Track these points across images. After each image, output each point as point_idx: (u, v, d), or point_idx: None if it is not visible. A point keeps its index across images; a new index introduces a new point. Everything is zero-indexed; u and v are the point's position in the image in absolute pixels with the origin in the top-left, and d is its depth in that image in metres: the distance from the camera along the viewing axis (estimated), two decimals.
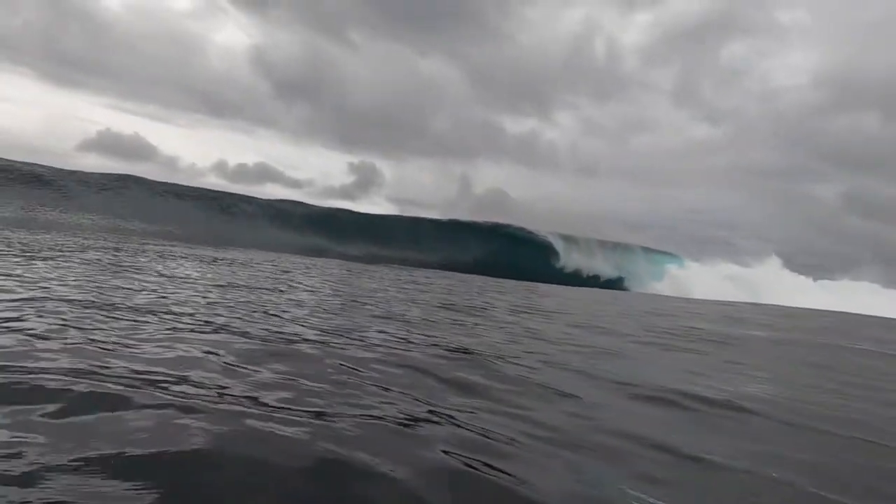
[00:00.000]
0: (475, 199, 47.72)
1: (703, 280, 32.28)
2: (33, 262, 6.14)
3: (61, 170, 28.87)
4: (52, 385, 2.05)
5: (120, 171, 31.06)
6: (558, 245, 33.82)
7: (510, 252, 31.63)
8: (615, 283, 32.14)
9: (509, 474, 1.77)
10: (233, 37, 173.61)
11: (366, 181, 70.94)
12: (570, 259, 33.50)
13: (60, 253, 7.69)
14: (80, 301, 3.97)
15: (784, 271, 34.28)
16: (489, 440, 2.07)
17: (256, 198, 33.78)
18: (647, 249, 37.43)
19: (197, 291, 5.47)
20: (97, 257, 7.71)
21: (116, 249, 9.71)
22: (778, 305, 18.14)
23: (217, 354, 2.88)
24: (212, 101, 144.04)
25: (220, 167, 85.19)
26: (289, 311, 4.87)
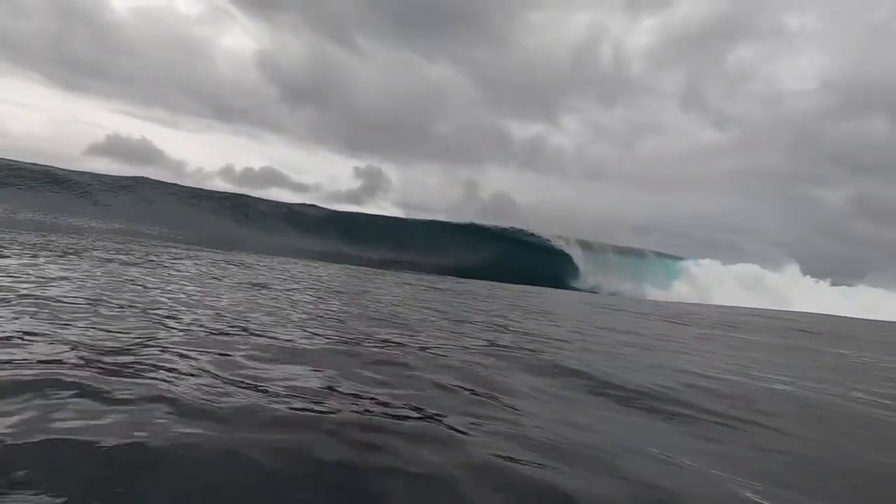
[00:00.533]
0: (482, 203, 47.58)
1: (722, 285, 31.47)
2: (40, 262, 6.26)
3: (71, 170, 29.40)
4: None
5: (134, 175, 31.60)
6: (575, 253, 33.57)
7: (536, 259, 31.36)
8: (631, 290, 31.67)
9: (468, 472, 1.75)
10: (239, 41, 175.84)
11: (372, 185, 71.28)
12: (584, 264, 33.26)
13: (64, 254, 7.83)
14: (76, 299, 4.04)
15: (806, 278, 33.28)
16: (462, 435, 2.05)
17: (271, 200, 34.25)
18: (660, 254, 36.97)
19: (198, 293, 5.53)
20: (101, 258, 7.84)
21: (123, 252, 9.85)
22: (819, 314, 17.45)
23: (202, 355, 2.90)
24: (218, 105, 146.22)
25: (226, 171, 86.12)
26: (284, 314, 4.90)
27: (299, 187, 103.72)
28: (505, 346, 4.40)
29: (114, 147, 73.84)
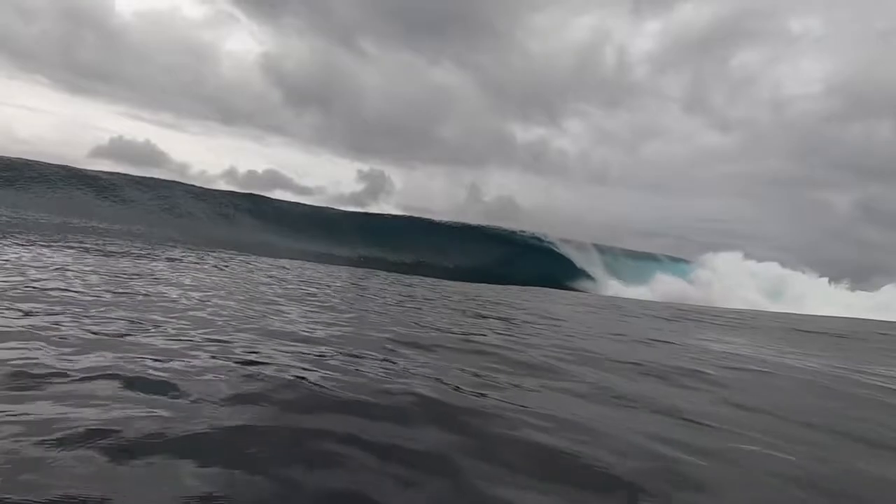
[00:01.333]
0: (485, 206, 47.69)
1: (742, 284, 30.24)
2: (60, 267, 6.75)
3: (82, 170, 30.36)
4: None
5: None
6: (591, 257, 33.55)
7: (554, 263, 31.49)
8: (644, 291, 31.25)
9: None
10: (244, 45, 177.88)
11: (375, 188, 71.81)
12: (600, 267, 33.22)
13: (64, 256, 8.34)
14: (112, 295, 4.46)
15: (833, 285, 31.95)
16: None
17: (288, 200, 34.87)
18: (673, 258, 36.59)
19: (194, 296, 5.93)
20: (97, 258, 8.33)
21: (137, 254, 10.36)
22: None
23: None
24: (223, 108, 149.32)
25: (230, 174, 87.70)
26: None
27: (303, 190, 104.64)
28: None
29: (118, 149, 75.81)
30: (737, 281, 30.07)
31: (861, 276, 31.93)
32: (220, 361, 2.86)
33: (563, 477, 1.88)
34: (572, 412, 2.65)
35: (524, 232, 34.85)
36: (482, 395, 2.81)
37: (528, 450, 2.09)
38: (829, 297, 29.21)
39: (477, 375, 3.26)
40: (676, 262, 36.04)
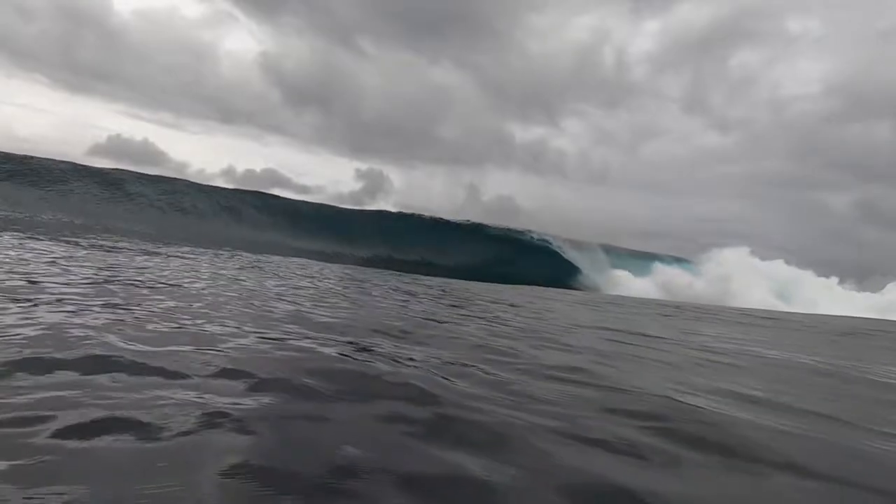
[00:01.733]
0: (484, 206, 47.68)
1: (748, 282, 29.70)
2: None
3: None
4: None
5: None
6: (598, 257, 33.53)
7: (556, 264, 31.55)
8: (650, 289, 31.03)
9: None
10: (243, 44, 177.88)
11: (374, 187, 71.34)
12: (605, 267, 33.19)
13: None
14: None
15: (843, 287, 31.42)
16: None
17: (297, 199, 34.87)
18: (678, 259, 36.41)
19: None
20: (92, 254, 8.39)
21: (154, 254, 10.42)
22: None
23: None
24: (222, 107, 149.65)
25: (228, 173, 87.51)
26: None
27: (301, 189, 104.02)
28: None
29: (116, 147, 75.56)
30: (745, 278, 29.46)
31: (861, 276, 31.49)
32: (214, 354, 2.86)
33: (526, 454, 1.90)
34: (544, 394, 2.68)
35: (531, 233, 34.81)
36: (457, 380, 2.84)
37: (490, 427, 2.13)
38: (838, 297, 28.92)
39: (457, 364, 3.27)
40: (679, 262, 35.85)
